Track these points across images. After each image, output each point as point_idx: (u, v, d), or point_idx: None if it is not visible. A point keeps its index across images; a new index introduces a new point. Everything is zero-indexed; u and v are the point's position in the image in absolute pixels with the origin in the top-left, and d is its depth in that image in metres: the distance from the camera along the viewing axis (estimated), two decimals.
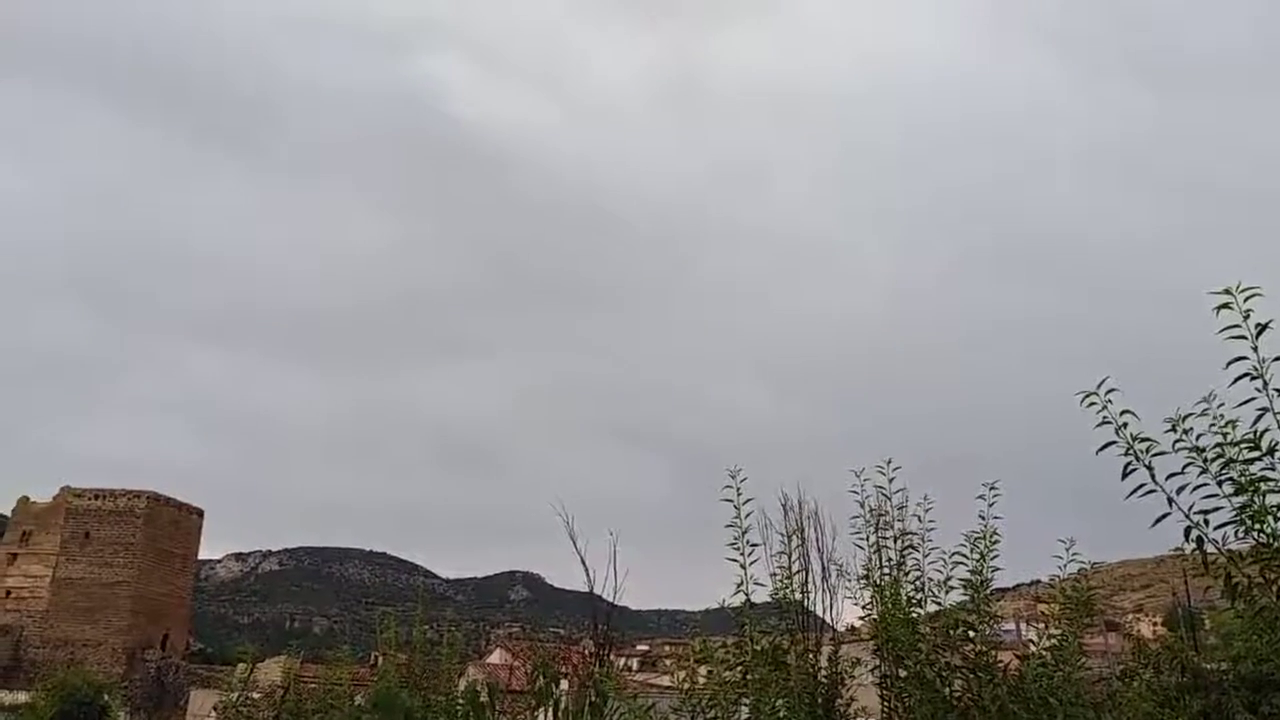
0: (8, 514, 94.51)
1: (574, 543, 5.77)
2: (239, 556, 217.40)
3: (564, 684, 5.97)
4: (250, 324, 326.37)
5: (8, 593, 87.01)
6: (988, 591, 4.50)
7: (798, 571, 5.03)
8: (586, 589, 5.88)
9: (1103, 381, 3.41)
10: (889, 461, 4.79)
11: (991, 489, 4.51)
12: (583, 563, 5.81)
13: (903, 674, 4.35)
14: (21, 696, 59.16)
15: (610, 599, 5.95)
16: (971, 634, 4.36)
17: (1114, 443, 3.35)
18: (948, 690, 4.22)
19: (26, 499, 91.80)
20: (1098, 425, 3.40)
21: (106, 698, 49.97)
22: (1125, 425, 3.35)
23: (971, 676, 4.27)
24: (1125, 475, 3.28)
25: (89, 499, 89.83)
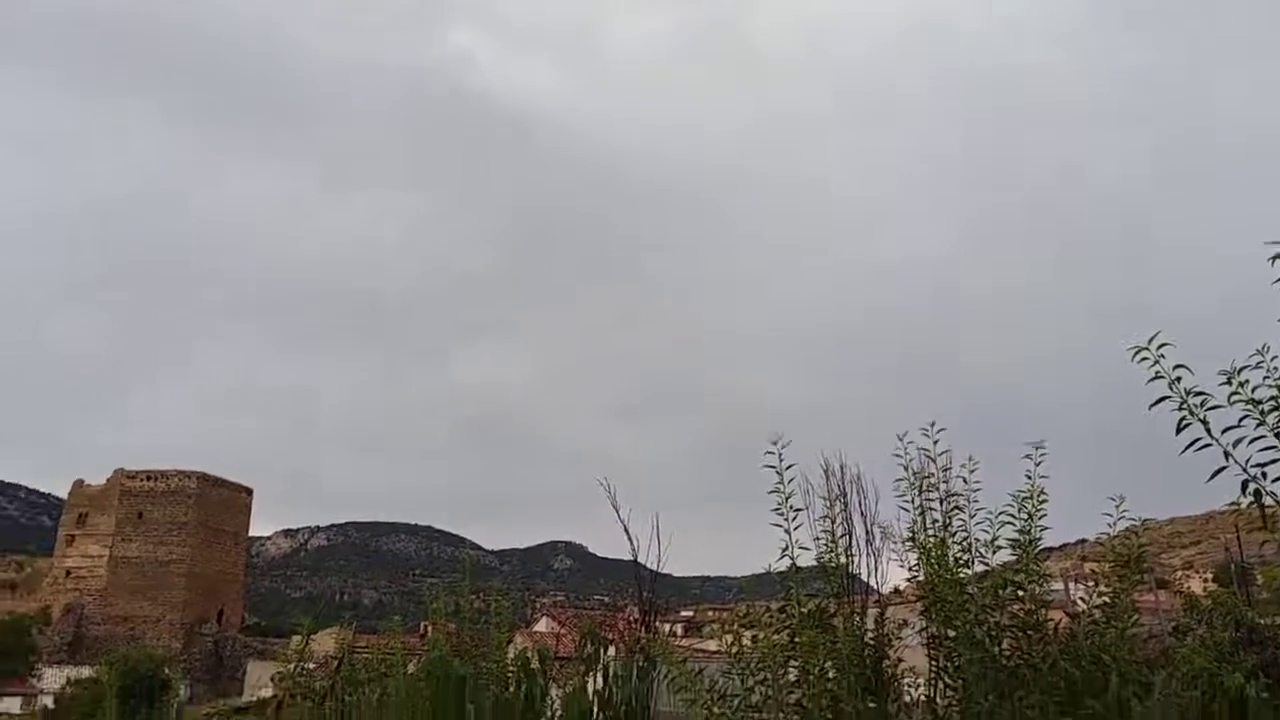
0: (63, 497, 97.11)
1: (616, 512, 5.80)
2: (288, 533, 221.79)
3: (610, 650, 6.04)
4: (291, 303, 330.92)
5: (68, 572, 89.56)
6: (1036, 551, 4.46)
7: (842, 535, 5.02)
8: (629, 557, 5.91)
9: (1154, 336, 3.34)
10: (933, 423, 4.75)
11: (1038, 448, 4.46)
12: (626, 532, 5.85)
13: (951, 634, 4.34)
14: (85, 671, 61.07)
15: (653, 567, 5.99)
16: (1021, 593, 4.33)
17: (1167, 398, 3.28)
18: (997, 649, 4.20)
19: (81, 482, 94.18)
20: (1150, 380, 3.33)
21: (167, 671, 51.40)
22: (1179, 380, 3.28)
23: (1021, 635, 4.25)
24: (1179, 430, 3.21)
25: (141, 480, 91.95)
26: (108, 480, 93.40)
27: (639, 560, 5.88)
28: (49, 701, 51.30)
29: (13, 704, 57.98)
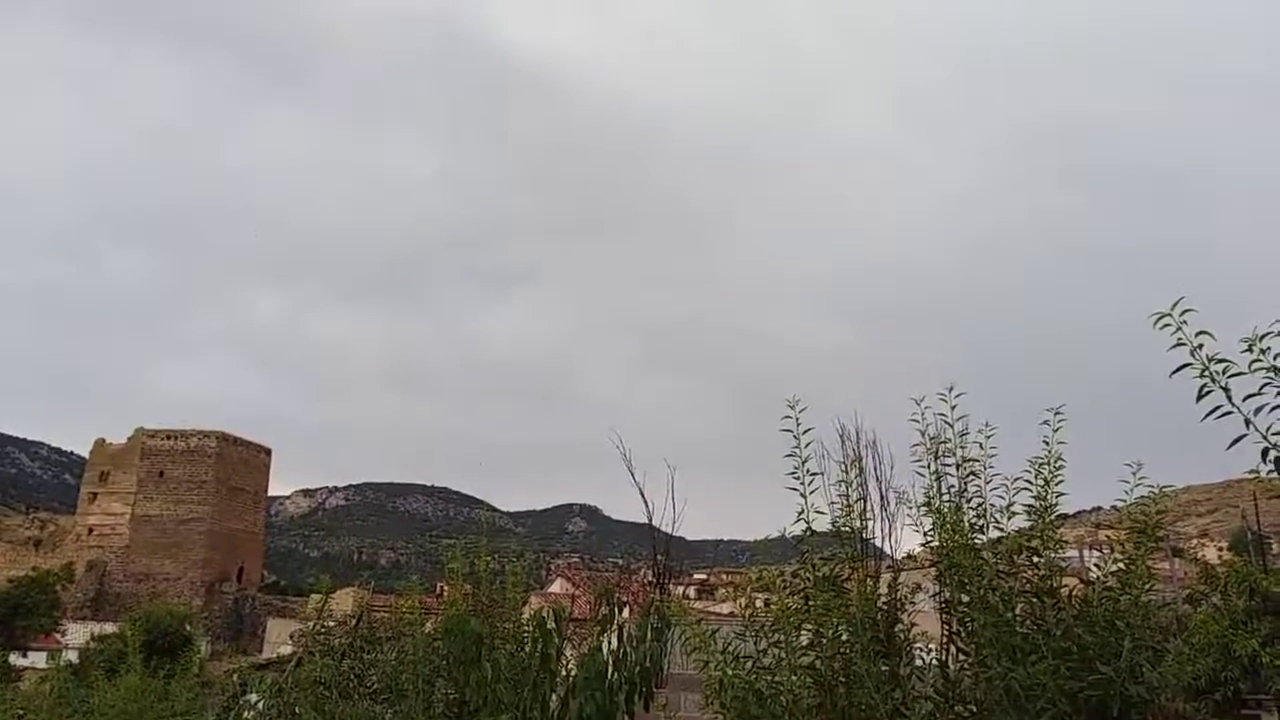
0: (85, 455, 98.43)
1: (632, 475, 5.83)
2: (307, 492, 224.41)
3: (625, 612, 6.09)
4: (309, 262, 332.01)
5: (90, 530, 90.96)
6: (1052, 517, 4.44)
7: (857, 500, 5.02)
8: (643, 520, 5.94)
9: (1177, 302, 3.30)
10: (950, 388, 4.73)
11: (1056, 413, 4.43)
12: (641, 495, 5.87)
13: (965, 599, 4.35)
14: (109, 627, 62.29)
15: (668, 530, 6.02)
16: (1036, 559, 4.33)
17: (1189, 364, 3.25)
18: (1010, 615, 4.21)
19: (103, 441, 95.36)
20: (1171, 347, 3.30)
21: (189, 628, 52.42)
22: (1201, 346, 3.25)
23: (1035, 601, 4.25)
24: (1200, 397, 3.18)
25: (162, 439, 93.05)
26: (129, 439, 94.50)
27: (653, 523, 5.91)
28: (73, 656, 52.36)
29: (39, 658, 59.20)
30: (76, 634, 67.18)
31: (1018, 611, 4.23)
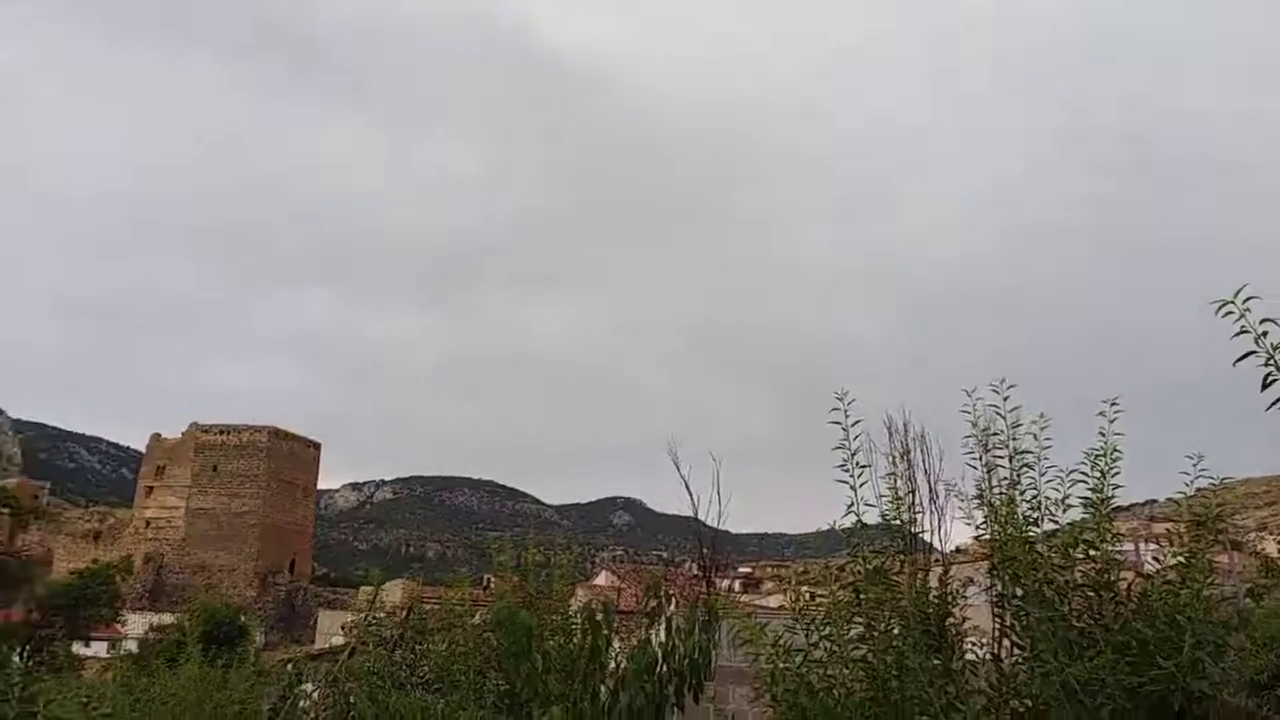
0: (142, 450, 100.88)
1: (677, 468, 5.82)
2: (355, 486, 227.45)
3: (672, 605, 6.11)
4: (359, 262, 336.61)
5: (147, 523, 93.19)
6: (1109, 509, 4.37)
7: (907, 493, 4.98)
8: (687, 513, 5.94)
9: (1240, 289, 3.22)
10: (1002, 380, 4.67)
11: (1113, 405, 4.36)
12: (686, 488, 5.87)
13: (1019, 593, 4.30)
14: (166, 618, 63.86)
15: (712, 523, 6.01)
16: (1092, 552, 4.26)
17: (1254, 352, 3.17)
18: (1066, 608, 4.15)
19: (159, 435, 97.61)
20: (1234, 335, 3.22)
21: (244, 619, 53.61)
22: (1265, 334, 3.16)
23: (1092, 595, 4.19)
24: (1265, 386, 3.10)
25: (215, 434, 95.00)
26: (183, 434, 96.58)
27: (698, 516, 5.90)
28: (133, 646, 53.69)
29: (100, 648, 60.85)
30: (135, 624, 68.93)
31: (1074, 605, 4.17)
